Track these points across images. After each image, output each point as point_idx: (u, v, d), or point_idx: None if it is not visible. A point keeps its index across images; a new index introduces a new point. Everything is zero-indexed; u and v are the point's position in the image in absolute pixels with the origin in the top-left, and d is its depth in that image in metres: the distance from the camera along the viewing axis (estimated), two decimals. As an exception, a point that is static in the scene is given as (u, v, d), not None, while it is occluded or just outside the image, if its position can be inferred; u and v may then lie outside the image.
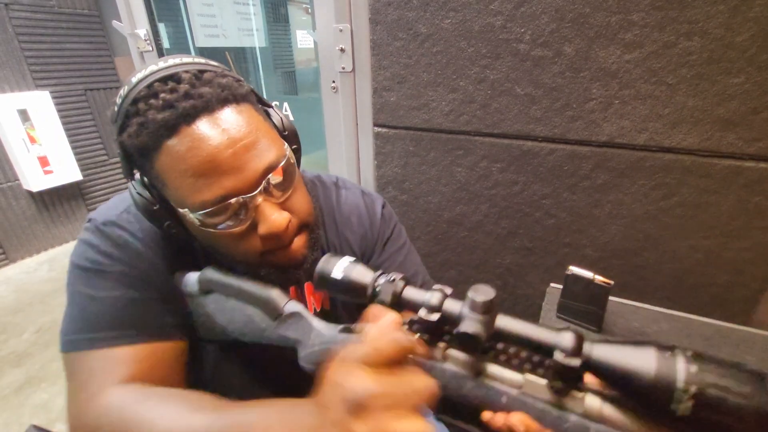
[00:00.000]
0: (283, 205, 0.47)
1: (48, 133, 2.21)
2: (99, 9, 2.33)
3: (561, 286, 0.81)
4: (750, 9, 0.69)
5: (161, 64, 0.45)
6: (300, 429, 0.34)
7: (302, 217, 0.50)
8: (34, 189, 2.22)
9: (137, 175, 0.48)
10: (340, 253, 0.62)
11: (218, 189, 0.43)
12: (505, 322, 0.35)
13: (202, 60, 0.47)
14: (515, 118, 0.93)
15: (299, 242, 0.50)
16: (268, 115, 0.51)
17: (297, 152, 0.53)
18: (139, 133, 0.42)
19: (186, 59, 0.46)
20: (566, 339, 0.32)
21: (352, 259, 0.42)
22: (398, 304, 0.39)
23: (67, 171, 2.32)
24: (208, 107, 0.42)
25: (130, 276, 0.49)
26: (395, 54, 0.99)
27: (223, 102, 0.43)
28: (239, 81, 0.48)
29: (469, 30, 0.89)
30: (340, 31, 1.06)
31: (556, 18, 0.81)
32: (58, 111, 2.25)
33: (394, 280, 0.40)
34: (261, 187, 0.44)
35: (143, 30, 1.59)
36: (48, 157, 2.23)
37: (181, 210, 0.45)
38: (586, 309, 0.79)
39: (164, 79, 0.43)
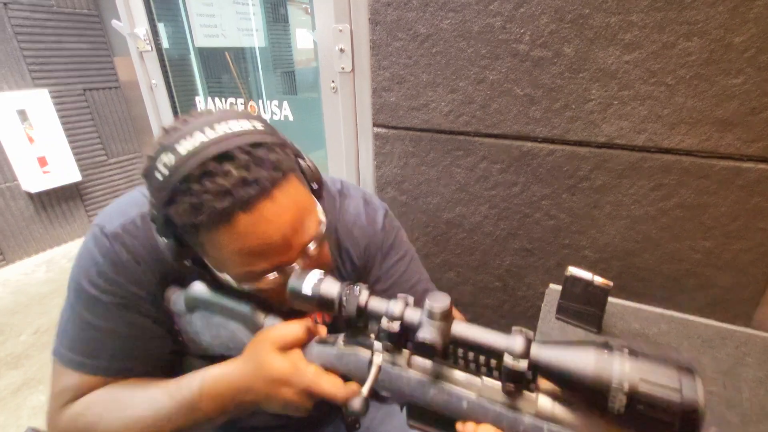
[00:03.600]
0: (312, 263, 0.49)
1: (47, 133, 2.20)
2: (98, 8, 2.33)
3: (560, 287, 0.81)
4: (749, 10, 0.69)
5: (210, 133, 0.41)
6: (237, 381, 0.47)
7: (326, 270, 0.53)
8: (33, 190, 2.22)
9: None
10: (340, 264, 0.63)
11: (264, 264, 0.45)
12: (459, 328, 0.36)
13: (249, 125, 0.44)
14: (514, 119, 0.93)
15: None
16: (300, 166, 0.51)
17: (321, 198, 0.55)
18: (191, 214, 0.41)
19: (233, 125, 0.43)
20: (515, 342, 0.34)
21: (321, 273, 0.44)
22: (363, 314, 0.41)
23: (65, 171, 2.31)
24: (263, 192, 0.42)
25: (124, 307, 0.52)
26: (395, 54, 0.99)
27: (276, 183, 0.43)
28: (284, 148, 0.47)
29: (468, 30, 0.89)
30: (340, 31, 1.06)
31: (556, 19, 0.81)
32: (57, 111, 2.24)
33: (359, 291, 0.41)
34: (300, 259, 0.47)
35: (142, 30, 1.59)
36: (47, 158, 2.22)
37: (219, 274, 0.48)
38: (585, 310, 0.79)
39: (218, 158, 0.40)
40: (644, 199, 0.88)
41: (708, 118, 0.77)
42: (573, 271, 0.78)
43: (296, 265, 0.47)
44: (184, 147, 0.41)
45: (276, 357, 0.45)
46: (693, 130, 0.79)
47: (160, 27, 1.65)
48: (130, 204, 0.54)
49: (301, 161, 0.52)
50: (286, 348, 0.46)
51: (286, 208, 0.44)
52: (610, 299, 0.80)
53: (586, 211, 0.94)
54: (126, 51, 1.73)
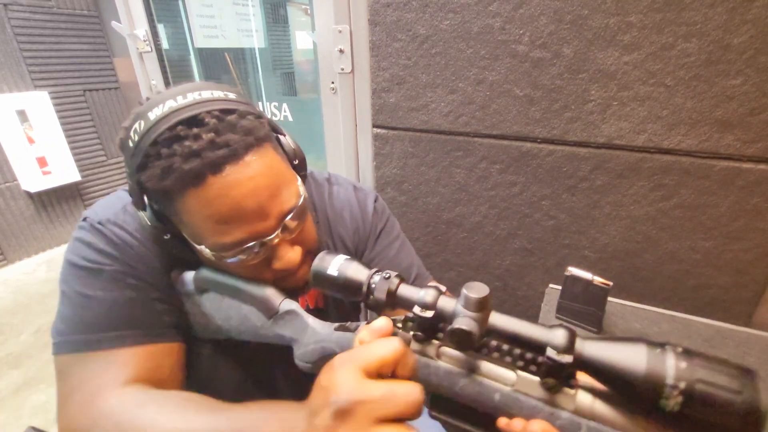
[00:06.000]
0: (294, 239, 0.48)
1: (46, 134, 2.20)
2: (98, 9, 2.33)
3: (560, 287, 0.81)
4: (748, 11, 0.69)
5: (180, 100, 0.42)
6: (291, 431, 0.35)
7: (310, 246, 0.52)
8: (33, 189, 2.22)
9: (147, 201, 0.47)
10: (333, 249, 0.63)
11: (240, 233, 0.44)
12: (498, 319, 0.35)
13: (221, 93, 0.45)
14: (514, 120, 0.93)
15: (305, 269, 0.51)
16: (279, 142, 0.51)
17: (304, 178, 0.54)
18: (162, 178, 0.41)
19: (205, 94, 0.43)
20: (559, 336, 0.32)
21: (347, 257, 0.42)
22: (393, 301, 0.39)
23: (65, 172, 2.31)
24: (234, 155, 0.41)
25: (128, 275, 0.49)
26: (394, 55, 0.99)
27: (248, 148, 0.42)
28: (260, 118, 0.46)
29: (468, 31, 0.90)
30: (339, 32, 1.06)
31: (555, 20, 0.81)
32: (57, 112, 2.24)
33: (389, 277, 0.40)
34: (279, 230, 0.46)
35: (142, 31, 1.59)
36: (46, 158, 2.22)
37: (197, 246, 0.46)
38: (585, 310, 0.79)
39: (187, 122, 0.41)
40: (644, 200, 0.88)
41: (707, 118, 0.77)
42: (573, 271, 0.78)
43: (276, 240, 0.46)
44: (155, 113, 0.41)
45: (341, 429, 0.30)
46: (692, 131, 0.79)
47: (160, 28, 1.65)
48: (115, 200, 0.54)
49: (281, 137, 0.52)
50: (375, 374, 0.33)
51: (258, 173, 0.43)
52: (610, 299, 0.80)
53: (586, 212, 0.95)
54: (126, 52, 1.73)
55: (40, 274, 2.18)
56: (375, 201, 0.67)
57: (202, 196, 0.41)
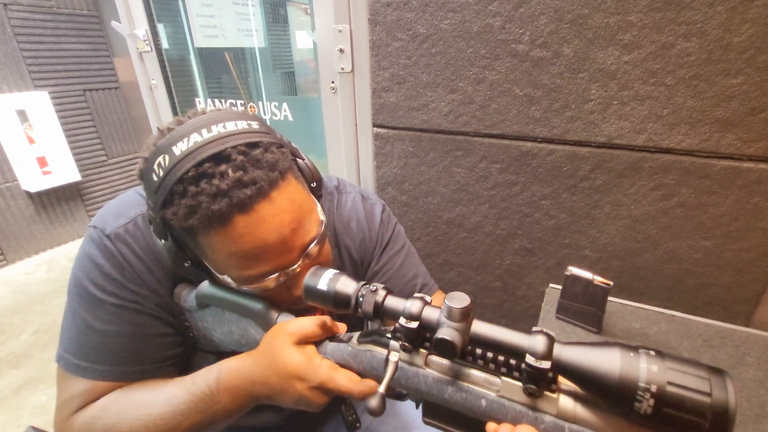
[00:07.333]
0: (313, 263, 0.49)
1: (47, 134, 2.20)
2: (98, 9, 2.33)
3: (560, 287, 0.81)
4: (748, 10, 0.69)
5: (205, 133, 0.41)
6: (253, 373, 0.46)
7: (326, 267, 0.53)
8: (33, 189, 2.22)
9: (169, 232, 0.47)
10: (338, 259, 0.63)
11: (264, 267, 0.45)
12: (480, 328, 0.36)
13: (245, 124, 0.44)
14: (514, 119, 0.93)
15: None
16: (298, 166, 0.51)
17: (320, 198, 0.55)
18: (188, 216, 0.41)
19: (230, 126, 0.43)
20: (537, 343, 0.33)
21: (336, 271, 0.44)
22: (380, 313, 0.40)
23: (65, 171, 2.31)
24: (260, 193, 0.41)
25: (128, 309, 0.51)
26: (394, 54, 0.99)
27: (272, 184, 0.43)
28: (281, 147, 0.46)
29: (468, 31, 0.90)
30: (340, 31, 1.06)
31: (555, 19, 0.81)
32: (57, 111, 2.24)
33: (376, 290, 0.41)
34: (301, 260, 0.47)
35: (142, 30, 1.59)
36: (46, 158, 2.22)
37: (220, 276, 0.47)
38: (585, 310, 0.79)
39: (213, 158, 0.40)
40: (644, 199, 0.88)
41: (708, 118, 0.77)
42: (573, 270, 0.78)
43: (298, 269, 0.47)
44: (180, 148, 0.41)
45: (291, 350, 0.44)
46: (693, 130, 0.79)
47: (160, 27, 1.65)
48: (127, 205, 0.53)
49: (299, 160, 0.52)
50: (301, 342, 0.46)
51: (284, 209, 0.44)
52: (610, 299, 0.80)
53: (586, 211, 0.95)
54: (126, 52, 1.73)
55: (41, 274, 2.18)
56: (382, 211, 0.67)
57: (227, 234, 0.42)
